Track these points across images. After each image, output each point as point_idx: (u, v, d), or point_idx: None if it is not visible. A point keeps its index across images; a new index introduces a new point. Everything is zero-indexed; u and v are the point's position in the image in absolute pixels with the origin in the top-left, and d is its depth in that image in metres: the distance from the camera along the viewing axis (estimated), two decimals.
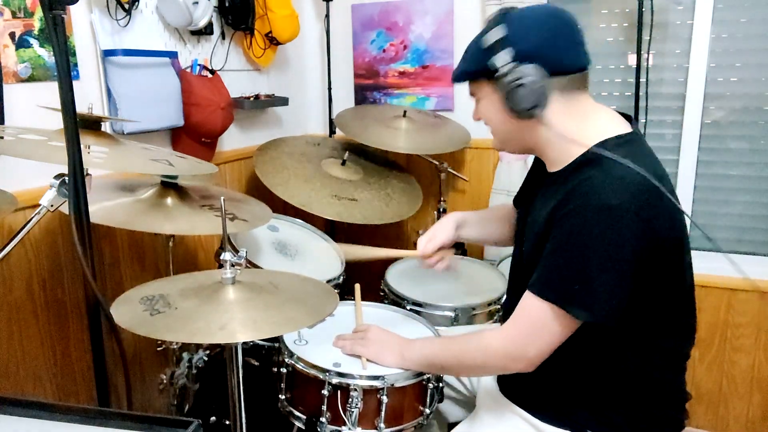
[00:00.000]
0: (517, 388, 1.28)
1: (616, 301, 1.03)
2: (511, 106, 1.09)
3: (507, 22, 1.08)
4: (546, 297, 1.07)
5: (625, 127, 1.14)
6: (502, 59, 1.07)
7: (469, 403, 1.50)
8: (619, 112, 1.20)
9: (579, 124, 1.12)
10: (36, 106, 1.50)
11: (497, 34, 1.08)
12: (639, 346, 1.14)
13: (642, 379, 1.15)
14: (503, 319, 1.33)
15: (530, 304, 1.10)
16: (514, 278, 1.31)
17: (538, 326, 1.09)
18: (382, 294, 1.81)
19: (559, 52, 1.08)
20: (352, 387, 1.24)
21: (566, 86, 1.10)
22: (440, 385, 1.36)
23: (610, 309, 1.03)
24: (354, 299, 1.59)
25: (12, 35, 1.45)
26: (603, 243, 1.01)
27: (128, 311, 1.06)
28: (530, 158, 2.22)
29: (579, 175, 1.08)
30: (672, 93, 2.17)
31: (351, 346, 1.34)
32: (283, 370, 1.33)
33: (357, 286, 1.62)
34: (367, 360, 1.30)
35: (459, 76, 1.20)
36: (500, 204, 1.64)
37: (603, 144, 1.09)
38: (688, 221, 1.08)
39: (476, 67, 1.14)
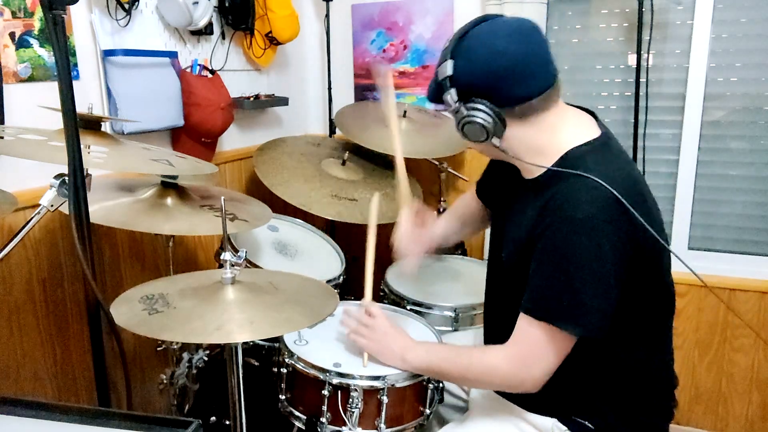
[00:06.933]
0: None
1: (605, 310, 1.05)
2: (464, 137, 1.14)
3: (456, 56, 1.09)
4: (538, 317, 1.09)
5: (593, 131, 1.14)
6: (450, 98, 1.11)
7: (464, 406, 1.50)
8: (582, 108, 1.20)
9: (549, 137, 1.13)
10: (36, 106, 1.50)
11: (446, 70, 1.10)
12: (624, 340, 1.15)
13: (627, 370, 1.17)
14: (486, 324, 1.36)
15: (526, 326, 1.11)
16: (492, 281, 1.33)
17: (538, 348, 1.10)
18: (382, 294, 1.81)
19: (507, 87, 1.08)
20: (352, 387, 1.24)
21: (525, 111, 1.10)
22: (440, 385, 1.36)
23: (600, 320, 1.05)
24: (355, 299, 1.58)
25: (12, 35, 1.45)
26: (583, 256, 1.02)
27: (128, 311, 1.06)
28: None
29: (553, 186, 1.09)
30: (672, 93, 2.17)
31: (355, 335, 1.33)
32: (284, 370, 1.33)
33: (376, 196, 1.58)
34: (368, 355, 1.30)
35: (430, 100, 1.22)
36: (460, 201, 1.65)
37: (574, 151, 1.10)
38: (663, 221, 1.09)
39: (435, 97, 1.17)
